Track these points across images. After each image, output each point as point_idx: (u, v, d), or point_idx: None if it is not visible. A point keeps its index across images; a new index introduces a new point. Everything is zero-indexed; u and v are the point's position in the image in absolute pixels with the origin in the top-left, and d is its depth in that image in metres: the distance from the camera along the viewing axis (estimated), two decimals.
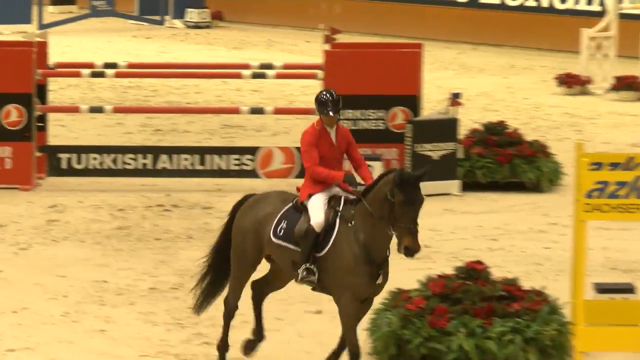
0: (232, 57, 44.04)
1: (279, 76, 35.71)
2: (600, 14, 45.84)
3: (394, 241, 16.79)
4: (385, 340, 20.76)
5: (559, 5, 51.03)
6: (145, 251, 28.98)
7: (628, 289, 21.41)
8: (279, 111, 37.34)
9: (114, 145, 38.19)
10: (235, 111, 37.70)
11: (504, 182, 32.76)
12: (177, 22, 69.66)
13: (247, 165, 34.75)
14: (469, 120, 31.91)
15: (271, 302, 23.01)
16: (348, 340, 16.60)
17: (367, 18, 56.72)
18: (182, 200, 32.85)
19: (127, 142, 40.91)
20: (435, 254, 27.20)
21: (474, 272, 21.48)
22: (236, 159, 34.94)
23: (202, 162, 35.25)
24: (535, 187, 31.84)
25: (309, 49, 38.06)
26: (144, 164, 35.96)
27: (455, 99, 32.37)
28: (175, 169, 35.24)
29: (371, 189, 15.93)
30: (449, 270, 22.07)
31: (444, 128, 32.49)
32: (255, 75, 35.94)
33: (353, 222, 15.89)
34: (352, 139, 16.98)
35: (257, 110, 36.79)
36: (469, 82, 39.99)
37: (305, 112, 34.31)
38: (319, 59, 32.76)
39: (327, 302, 22.80)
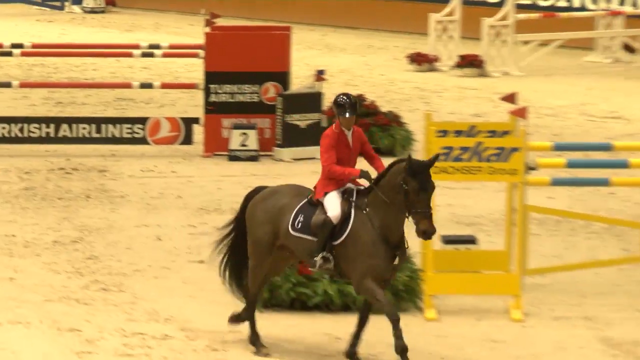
0: (124, 39, 42.57)
1: (165, 55, 33.99)
2: (445, 0, 45.80)
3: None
4: (275, 289, 20.47)
5: None
6: (49, 209, 28.13)
7: (470, 240, 21.80)
8: (165, 86, 36.77)
9: (21, 116, 36.97)
10: (127, 86, 36.94)
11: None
12: (76, 8, 66.86)
13: (137, 133, 32.88)
14: (332, 93, 31.96)
15: (159, 253, 24.01)
16: (387, 314, 15.51)
17: (244, 4, 53.46)
18: (80, 164, 31.81)
19: (32, 113, 39.15)
20: None
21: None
22: (128, 128, 33.16)
23: (98, 131, 34.30)
24: (389, 152, 30.98)
25: (192, 31, 37.68)
26: (47, 133, 35.14)
27: (319, 75, 32.26)
28: (75, 137, 34.36)
29: (382, 177, 15.64)
30: None
31: (310, 100, 32.37)
32: (145, 55, 35.27)
33: (367, 210, 15.60)
34: (365, 138, 16.47)
35: (146, 85, 35.92)
36: (331, 60, 39.61)
37: (189, 86, 34.11)
38: (201, 40, 31.58)
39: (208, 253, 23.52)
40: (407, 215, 15.56)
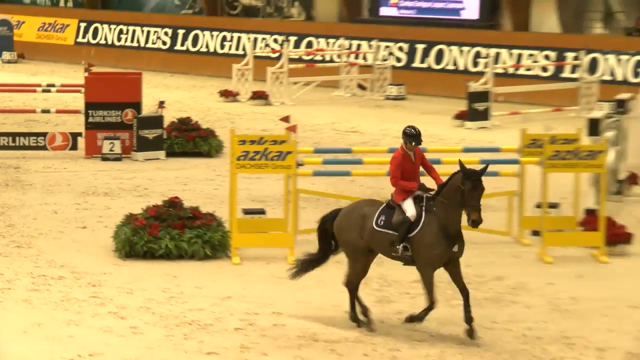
0: (31, 80, 40.72)
1: (58, 91, 32.36)
2: (243, 55, 44.73)
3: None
4: (123, 243, 20.92)
5: (219, 50, 48.98)
6: None
7: (261, 211, 22.60)
8: (59, 111, 35.00)
9: None
10: (33, 111, 35.71)
11: (190, 152, 31.84)
12: None
13: (40, 143, 31.69)
14: (170, 117, 31.51)
15: (56, 222, 24.12)
16: (428, 297, 15.29)
17: (111, 56, 52.57)
18: (2, 163, 30.56)
19: None
20: (152, 193, 26.19)
21: (173, 203, 21.65)
22: (34, 139, 31.94)
23: (14, 141, 32.33)
24: (208, 155, 31.39)
25: (76, 75, 36.20)
26: None
27: (161, 104, 31.14)
28: None
29: (444, 185, 15.38)
30: (160, 202, 22.03)
31: (155, 121, 31.57)
32: (44, 91, 34.20)
33: (433, 211, 15.26)
34: (423, 154, 16.27)
35: (45, 111, 32.87)
36: (169, 95, 37.90)
37: (74, 112, 33.97)
38: (82, 81, 30.64)
39: (92, 220, 24.16)
40: (462, 210, 15.40)
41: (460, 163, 15.40)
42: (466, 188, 14.69)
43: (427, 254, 15.12)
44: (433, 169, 15.91)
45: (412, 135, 15.65)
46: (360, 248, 15.90)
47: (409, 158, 15.61)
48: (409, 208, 15.25)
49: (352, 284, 16.05)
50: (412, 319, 15.49)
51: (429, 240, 15.07)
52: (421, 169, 16.18)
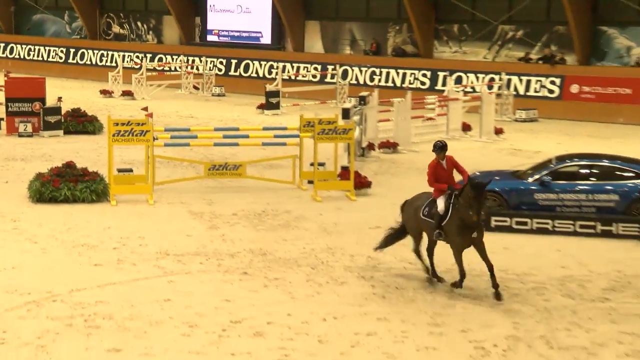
0: None
1: None
2: (115, 67, 44.37)
3: None
4: (34, 192, 20.24)
5: (99, 63, 50.65)
6: None
7: (129, 170, 21.65)
8: None
9: None
10: None
11: (81, 131, 30.27)
12: None
13: None
14: (66, 107, 30.31)
15: (10, 199, 23.33)
16: (459, 270, 14.33)
17: (23, 67, 50.52)
18: None
19: None
20: (54, 159, 24.52)
21: (69, 165, 20.80)
22: None
23: None
24: (93, 133, 30.12)
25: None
26: None
27: (59, 99, 30.62)
28: None
29: (463, 188, 14.32)
30: (59, 165, 21.28)
31: (56, 110, 30.38)
32: None
33: (457, 207, 14.21)
34: (456, 161, 15.16)
35: None
36: (64, 93, 33.82)
37: None
38: (2, 82, 30.48)
39: (12, 177, 23.09)
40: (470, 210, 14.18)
41: (469, 176, 14.74)
42: (471, 195, 13.93)
43: (454, 239, 14.37)
44: (464, 172, 14.88)
45: (438, 147, 15.04)
46: (416, 230, 15.26)
47: (441, 165, 14.89)
48: (440, 204, 14.60)
49: (416, 251, 15.26)
50: (454, 284, 14.51)
51: (453, 229, 14.32)
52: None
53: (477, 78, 37.37)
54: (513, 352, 11.54)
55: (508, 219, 18.30)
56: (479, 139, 30.45)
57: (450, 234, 14.45)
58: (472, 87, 35.28)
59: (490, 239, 17.48)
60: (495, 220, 18.33)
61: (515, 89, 37.03)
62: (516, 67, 38.55)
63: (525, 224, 18.22)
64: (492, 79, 35.80)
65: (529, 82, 37.73)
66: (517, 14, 39.53)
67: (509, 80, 36.67)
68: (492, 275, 13.93)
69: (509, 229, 18.22)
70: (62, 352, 11.41)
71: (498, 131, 31.10)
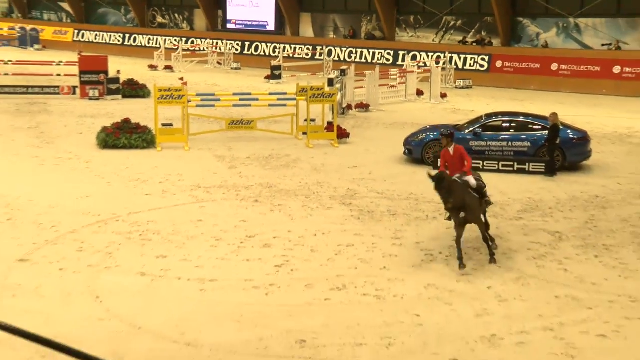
0: (50, 59, 36.64)
1: (65, 64, 30.52)
2: (159, 48, 44.21)
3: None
4: (101, 141, 20.09)
5: (147, 45, 50.70)
6: None
7: (170, 124, 21.14)
8: (66, 74, 30.18)
9: None
10: (51, 74, 31.08)
11: (135, 95, 29.68)
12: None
13: (56, 91, 29.48)
14: (123, 78, 29.84)
15: (65, 130, 22.70)
16: (456, 242, 11.51)
17: (91, 48, 50.65)
18: (36, 101, 27.95)
19: None
20: (115, 116, 23.40)
21: (126, 121, 20.31)
22: (53, 89, 29.56)
23: (42, 90, 29.46)
24: (143, 97, 29.30)
25: (74, 57, 32.67)
26: None
27: (118, 72, 30.10)
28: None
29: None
30: (119, 120, 20.86)
31: (116, 80, 29.79)
32: (57, 64, 30.97)
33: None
34: (462, 150, 12.53)
35: (58, 74, 30.54)
36: (122, 67, 33.67)
37: (74, 75, 29.28)
38: (76, 59, 28.67)
39: (85, 129, 22.68)
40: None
41: (428, 172, 12.15)
42: (434, 188, 11.61)
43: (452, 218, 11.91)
44: (464, 161, 12.28)
45: (445, 135, 12.60)
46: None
47: (448, 152, 12.50)
48: None
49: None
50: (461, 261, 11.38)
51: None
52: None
53: (428, 56, 37.14)
54: (452, 257, 11.68)
55: None
56: (429, 101, 30.47)
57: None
58: (424, 63, 35.15)
59: None
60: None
61: (456, 64, 37.08)
62: (456, 48, 38.56)
63: None
64: (438, 57, 35.60)
65: (465, 59, 37.85)
66: (457, 8, 39.61)
67: (451, 58, 36.65)
68: (489, 247, 11.86)
69: None
70: (124, 258, 11.61)
71: (443, 95, 31.18)
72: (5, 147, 20.13)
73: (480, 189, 12.15)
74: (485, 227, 12.15)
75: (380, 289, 10.43)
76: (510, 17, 37.69)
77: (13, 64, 31.33)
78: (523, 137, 18.50)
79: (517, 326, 9.25)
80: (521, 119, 19.17)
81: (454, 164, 12.34)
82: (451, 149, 12.43)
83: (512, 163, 18.12)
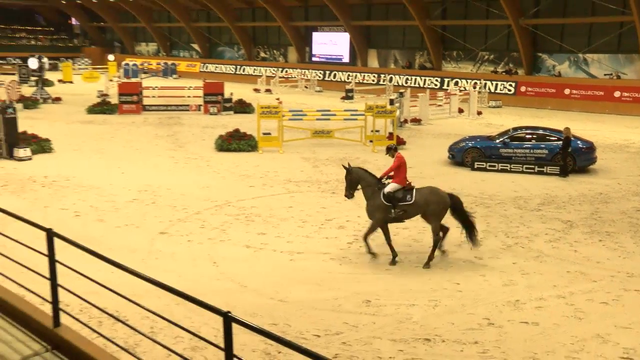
0: (183, 84, 36.25)
1: (194, 89, 30.03)
2: (261, 76, 46.52)
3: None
4: (218, 145, 20.15)
5: (252, 73, 50.45)
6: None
7: (269, 133, 20.90)
8: (194, 96, 31.20)
9: None
10: (182, 96, 30.47)
11: (243, 111, 29.37)
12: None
13: (186, 108, 29.52)
14: (235, 98, 30.51)
15: (193, 137, 22.74)
16: (368, 231, 10.38)
17: (211, 76, 51.56)
18: (171, 115, 28.32)
19: None
20: (228, 127, 22.93)
21: (237, 130, 20.55)
22: (184, 107, 29.56)
23: (177, 107, 29.60)
24: (249, 112, 28.92)
25: (200, 82, 32.92)
26: None
27: (231, 94, 29.87)
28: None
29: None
30: (231, 130, 21.02)
31: (230, 100, 29.45)
32: (188, 88, 30.39)
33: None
34: (397, 159, 10.41)
35: (188, 96, 34.22)
36: (234, 90, 33.43)
37: (199, 97, 30.47)
38: (201, 84, 32.29)
39: (207, 136, 22.88)
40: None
41: (344, 166, 10.87)
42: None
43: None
44: (390, 168, 10.42)
45: (387, 149, 10.98)
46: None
47: (392, 160, 10.59)
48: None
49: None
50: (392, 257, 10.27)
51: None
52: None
53: (467, 82, 36.50)
54: (485, 239, 11.42)
55: (484, 164, 17.96)
56: (468, 117, 29.82)
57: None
58: (464, 87, 34.48)
59: (473, 175, 17.40)
60: (477, 164, 17.97)
61: (489, 89, 36.30)
62: (489, 76, 37.71)
63: (494, 166, 17.84)
64: (475, 83, 34.91)
65: (496, 84, 37.00)
66: (490, 45, 38.66)
67: (485, 84, 36.01)
68: (367, 245, 10.38)
69: (485, 170, 17.87)
70: (234, 233, 11.69)
71: (479, 113, 30.41)
72: (150, 150, 20.38)
73: (392, 198, 10.12)
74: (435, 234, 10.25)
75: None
76: (532, 52, 36.68)
77: (158, 89, 31.94)
78: (542, 146, 17.85)
79: (536, 294, 9.02)
80: (540, 131, 18.48)
81: (393, 170, 10.46)
82: (392, 158, 10.66)
83: (533, 166, 17.58)
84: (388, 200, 10.16)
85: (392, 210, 10.17)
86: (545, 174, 17.37)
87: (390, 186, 10.27)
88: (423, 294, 8.98)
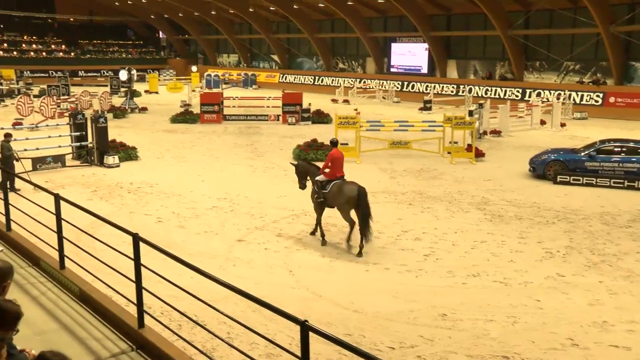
0: (262, 94, 38.00)
1: (273, 99, 30.90)
2: (339, 86, 47.29)
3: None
4: (296, 154, 20.17)
5: (330, 84, 51.42)
6: None
7: (346, 143, 21.04)
8: (273, 106, 31.03)
9: None
10: (262, 106, 30.92)
11: (320, 121, 29.53)
12: None
13: (265, 118, 29.91)
14: (313, 108, 31.31)
15: (271, 147, 22.97)
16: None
17: (290, 87, 51.82)
18: (251, 125, 28.70)
19: None
20: (306, 137, 23.25)
21: (314, 141, 20.75)
22: (263, 117, 29.97)
23: (256, 117, 30.03)
24: (327, 123, 29.11)
25: (279, 93, 34.42)
26: None
27: (309, 104, 30.17)
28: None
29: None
30: (309, 140, 21.26)
31: (307, 110, 29.68)
32: (267, 98, 31.09)
33: None
34: (329, 154, 11.54)
35: (267, 106, 35.33)
36: (312, 100, 33.60)
37: (278, 107, 33.09)
38: (281, 95, 31.62)
39: (285, 146, 22.97)
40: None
41: (292, 163, 12.40)
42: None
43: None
44: (325, 164, 11.58)
45: (330, 142, 12.13)
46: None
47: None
48: None
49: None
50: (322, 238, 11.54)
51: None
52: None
53: (550, 93, 35.31)
54: (569, 255, 11.02)
55: (568, 177, 17.31)
56: (550, 129, 28.74)
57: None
58: (547, 99, 33.40)
59: (555, 189, 16.77)
60: (560, 178, 17.33)
61: (574, 100, 34.82)
62: (574, 87, 36.21)
63: (578, 180, 17.16)
64: (559, 94, 33.70)
65: (582, 95, 35.46)
66: (576, 55, 37.09)
67: (570, 94, 34.47)
68: (320, 231, 11.51)
69: (568, 183, 17.24)
70: (309, 243, 11.66)
71: (562, 125, 29.26)
72: (229, 158, 20.66)
73: (319, 186, 11.47)
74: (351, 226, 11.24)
75: (508, 278, 9.95)
76: (624, 61, 34.85)
77: (239, 99, 32.46)
78: (633, 159, 16.98)
79: (626, 316, 8.51)
80: (631, 144, 17.61)
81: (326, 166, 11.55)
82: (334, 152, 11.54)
83: (622, 181, 16.76)
84: (317, 188, 11.58)
85: (316, 197, 11.61)
86: (636, 189, 16.56)
87: (320, 177, 11.61)
88: (501, 309, 8.72)
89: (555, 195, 15.90)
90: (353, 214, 11.21)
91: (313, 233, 12.00)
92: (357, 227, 11.12)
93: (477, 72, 43.22)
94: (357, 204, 10.92)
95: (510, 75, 40.68)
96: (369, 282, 9.74)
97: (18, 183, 14.25)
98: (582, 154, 17.69)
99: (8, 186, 11.71)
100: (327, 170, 11.58)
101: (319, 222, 11.79)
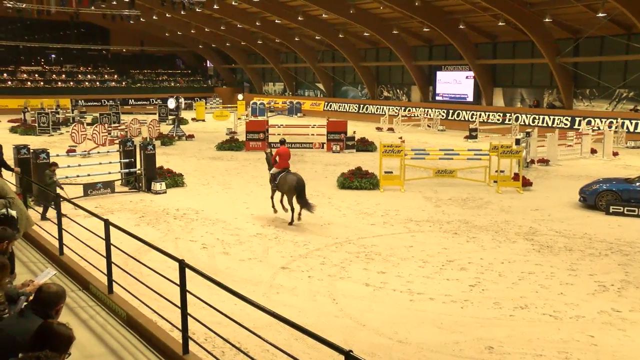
0: (307, 122, 38.20)
1: (318, 127, 31.27)
2: (383, 114, 47.36)
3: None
4: (340, 182, 20.27)
5: (375, 112, 51.77)
6: None
7: (390, 172, 21.03)
8: (318, 134, 32.56)
9: None
10: (307, 134, 32.38)
11: (365, 149, 29.73)
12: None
13: (310, 146, 30.23)
14: (358, 136, 31.16)
15: (314, 174, 22.95)
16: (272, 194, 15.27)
17: (335, 115, 53.53)
18: (297, 153, 27.98)
19: None
20: (350, 165, 23.34)
21: (358, 169, 20.78)
22: (308, 144, 30.35)
23: (301, 145, 30.32)
24: (372, 151, 29.17)
25: (324, 121, 34.73)
26: None
27: (354, 132, 30.50)
28: None
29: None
30: (353, 168, 21.27)
31: (352, 138, 29.93)
32: (312, 126, 31.70)
33: None
34: (277, 152, 15.08)
35: (312, 134, 33.28)
36: (357, 129, 34.55)
37: (323, 134, 30.51)
38: (325, 123, 31.29)
39: (329, 174, 23.04)
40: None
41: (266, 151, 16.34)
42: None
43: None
44: (273, 158, 15.45)
45: (280, 141, 16.12)
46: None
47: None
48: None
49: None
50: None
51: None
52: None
53: (601, 121, 34.48)
54: (625, 289, 10.62)
55: (621, 208, 16.84)
56: (602, 158, 28.11)
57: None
58: (598, 127, 32.66)
59: (608, 220, 16.28)
60: (613, 209, 16.84)
61: (627, 128, 33.98)
62: (628, 115, 35.28)
63: (633, 211, 16.67)
64: (610, 122, 32.92)
65: (637, 124, 34.58)
66: (629, 82, 36.18)
67: (623, 123, 33.68)
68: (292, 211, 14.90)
69: (621, 214, 16.76)
70: (353, 271, 11.67)
71: (615, 154, 28.62)
72: None
73: (273, 177, 15.11)
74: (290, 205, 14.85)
75: (558, 311, 9.65)
76: None
77: (284, 127, 32.86)
78: None
79: None
80: None
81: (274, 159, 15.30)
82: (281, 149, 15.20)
83: None
84: (271, 178, 15.22)
85: (272, 185, 15.24)
86: None
87: (273, 169, 15.13)
88: (551, 344, 8.45)
89: (608, 226, 15.43)
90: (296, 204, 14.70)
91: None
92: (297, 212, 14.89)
93: (524, 100, 42.66)
94: (296, 190, 14.36)
95: (559, 104, 40.03)
96: (413, 312, 9.61)
97: (66, 209, 14.47)
98: (637, 184, 17.19)
99: (46, 213, 13.09)
100: (276, 162, 15.09)
101: (272, 199, 15.59)
